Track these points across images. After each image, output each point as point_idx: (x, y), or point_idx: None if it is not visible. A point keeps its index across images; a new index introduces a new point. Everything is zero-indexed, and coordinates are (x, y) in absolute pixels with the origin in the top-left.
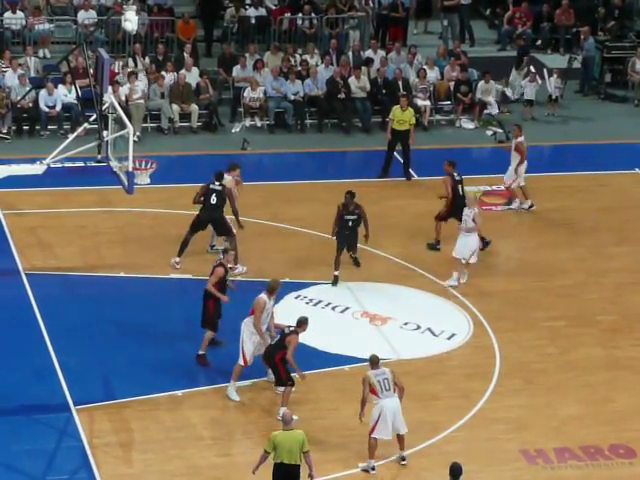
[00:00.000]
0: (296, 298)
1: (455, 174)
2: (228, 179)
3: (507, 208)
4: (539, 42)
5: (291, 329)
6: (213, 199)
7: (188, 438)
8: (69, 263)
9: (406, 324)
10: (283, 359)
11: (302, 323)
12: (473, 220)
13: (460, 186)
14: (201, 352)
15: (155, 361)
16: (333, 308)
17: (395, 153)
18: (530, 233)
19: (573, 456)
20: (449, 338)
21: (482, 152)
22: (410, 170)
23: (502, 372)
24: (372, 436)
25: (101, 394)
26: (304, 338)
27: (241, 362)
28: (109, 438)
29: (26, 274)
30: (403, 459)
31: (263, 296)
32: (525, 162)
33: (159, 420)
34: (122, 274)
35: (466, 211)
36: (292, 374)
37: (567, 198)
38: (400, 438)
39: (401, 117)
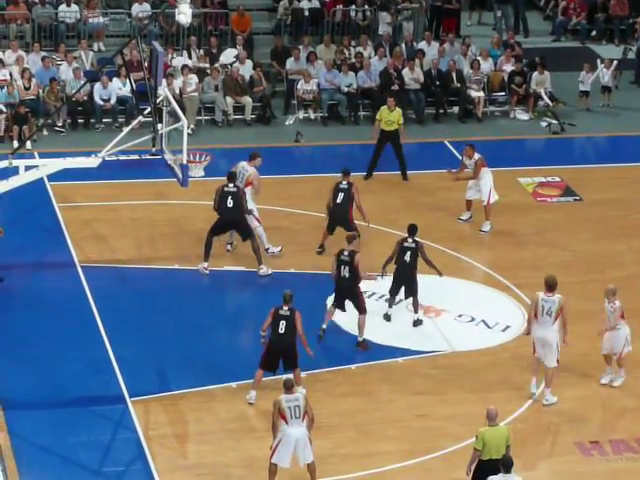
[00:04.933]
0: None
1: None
2: (251, 170)
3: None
4: (594, 33)
5: (286, 309)
6: (229, 202)
7: (242, 430)
8: (124, 255)
9: (460, 316)
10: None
11: (292, 297)
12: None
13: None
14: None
15: (210, 353)
16: (387, 300)
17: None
18: (585, 225)
19: (628, 448)
20: (503, 330)
21: (537, 143)
22: (406, 171)
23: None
24: (271, 461)
25: (156, 386)
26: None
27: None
28: (164, 430)
29: (82, 266)
30: None
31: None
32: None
33: (214, 412)
34: (177, 266)
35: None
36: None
37: (622, 189)
38: (309, 468)
39: (389, 117)
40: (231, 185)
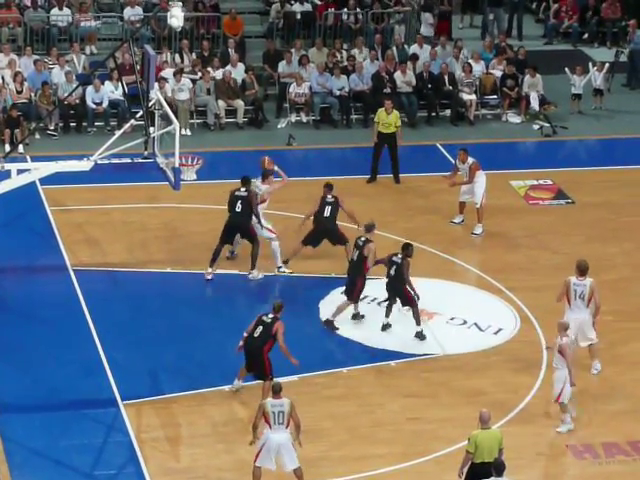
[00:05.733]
0: (342, 293)
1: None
2: (264, 188)
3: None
4: (586, 35)
5: (270, 317)
6: (238, 206)
7: (235, 433)
8: (116, 259)
9: (452, 319)
10: (269, 350)
11: (281, 307)
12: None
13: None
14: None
15: (202, 356)
16: (379, 303)
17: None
18: (577, 227)
19: (621, 451)
20: (496, 333)
21: (529, 146)
22: (399, 174)
23: (549, 367)
24: (255, 464)
25: (149, 389)
26: (351, 333)
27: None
28: (157, 433)
29: (74, 270)
30: None
31: None
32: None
33: (206, 415)
34: (169, 270)
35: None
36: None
37: (614, 192)
38: (296, 474)
39: (386, 120)
40: (243, 189)
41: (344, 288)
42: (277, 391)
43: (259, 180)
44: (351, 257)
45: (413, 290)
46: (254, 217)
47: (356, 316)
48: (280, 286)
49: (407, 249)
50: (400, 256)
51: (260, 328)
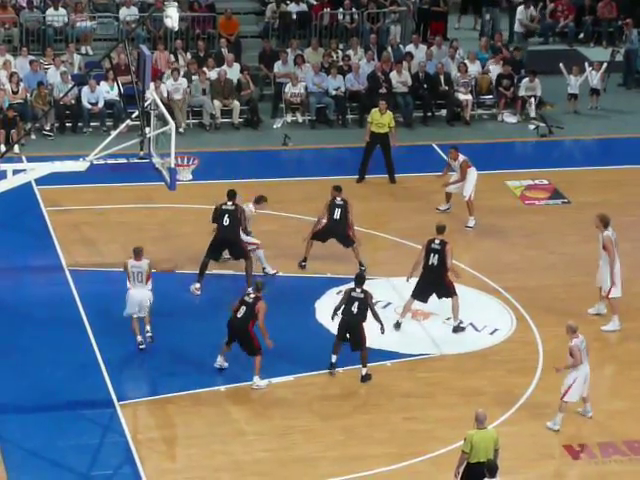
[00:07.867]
0: (338, 294)
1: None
2: (252, 209)
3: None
4: (582, 35)
5: (252, 297)
6: (226, 220)
7: (231, 433)
8: (112, 259)
9: (448, 319)
10: (254, 327)
11: (263, 286)
12: None
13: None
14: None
15: (197, 356)
16: (375, 303)
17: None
18: (573, 227)
19: (617, 451)
20: (492, 333)
21: (525, 146)
22: (394, 173)
23: (545, 367)
24: (125, 314)
25: (144, 390)
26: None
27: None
28: (153, 433)
29: (69, 270)
30: None
31: None
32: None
33: (202, 415)
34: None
35: None
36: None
37: (610, 192)
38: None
39: (380, 120)
40: (229, 203)
41: (435, 296)
42: (138, 253)
43: (251, 203)
44: (430, 262)
45: (380, 321)
46: (243, 231)
47: (398, 325)
48: (276, 286)
49: (364, 281)
50: (359, 290)
51: (244, 308)
